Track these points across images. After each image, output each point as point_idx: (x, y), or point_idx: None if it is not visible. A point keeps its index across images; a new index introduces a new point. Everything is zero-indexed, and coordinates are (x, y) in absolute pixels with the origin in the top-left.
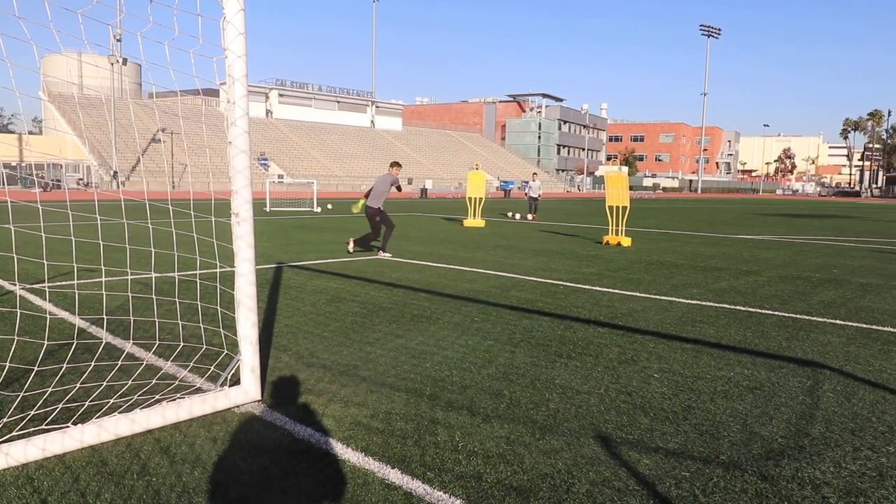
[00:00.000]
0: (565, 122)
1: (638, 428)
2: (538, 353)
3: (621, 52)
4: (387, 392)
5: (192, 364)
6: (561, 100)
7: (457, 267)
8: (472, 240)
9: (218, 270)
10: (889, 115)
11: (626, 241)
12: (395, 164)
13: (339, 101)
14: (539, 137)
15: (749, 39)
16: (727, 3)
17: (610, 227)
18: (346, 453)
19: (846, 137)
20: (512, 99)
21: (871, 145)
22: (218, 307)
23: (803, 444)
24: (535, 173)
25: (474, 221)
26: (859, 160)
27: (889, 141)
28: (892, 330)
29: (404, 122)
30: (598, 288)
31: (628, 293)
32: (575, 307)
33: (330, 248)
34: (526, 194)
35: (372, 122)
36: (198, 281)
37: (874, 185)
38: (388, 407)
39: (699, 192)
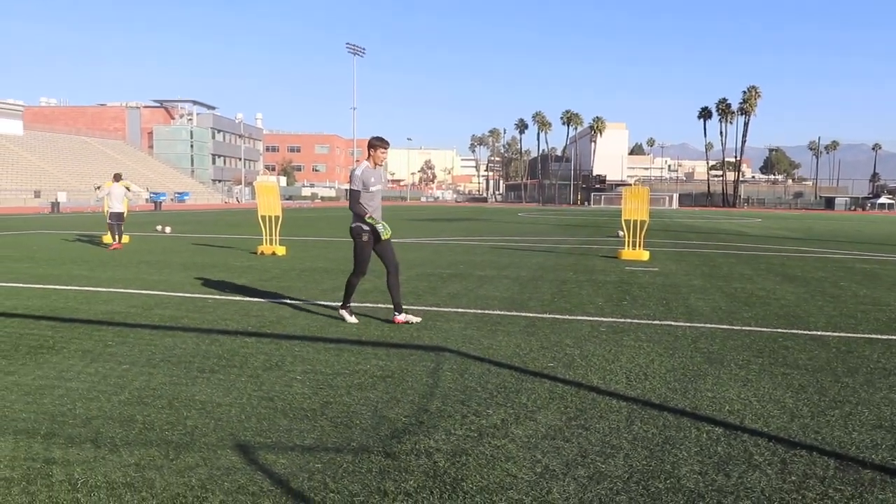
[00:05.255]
0: (219, 131)
1: (277, 430)
2: (178, 371)
3: (274, 64)
4: None
5: None
6: (213, 108)
7: (91, 288)
8: (113, 257)
9: None
10: (504, 133)
11: (281, 251)
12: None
13: None
14: (192, 146)
15: (394, 60)
16: (372, 27)
17: (264, 237)
18: None
19: (474, 151)
20: (159, 105)
21: (493, 158)
22: None
23: (423, 419)
24: (117, 174)
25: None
26: (485, 171)
27: (506, 154)
28: (499, 313)
29: (26, 126)
30: (248, 298)
31: (278, 301)
32: (223, 320)
33: None
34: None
35: None
36: None
37: (497, 192)
38: None
39: None
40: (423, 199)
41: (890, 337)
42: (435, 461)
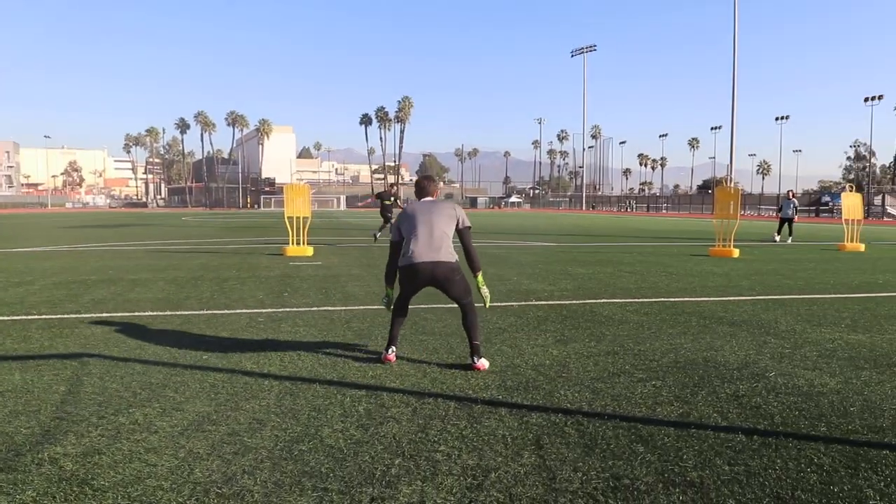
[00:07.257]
0: None
1: None
2: None
3: None
4: None
5: None
6: None
7: None
8: None
9: None
10: (164, 133)
11: None
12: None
13: None
14: None
15: (25, 47)
16: None
17: None
18: None
19: (129, 152)
20: None
21: (152, 160)
22: None
23: (49, 428)
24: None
25: None
26: (144, 173)
27: (167, 156)
28: (151, 314)
29: None
30: None
31: None
32: None
33: None
34: None
35: None
36: None
37: (159, 196)
38: None
39: None
40: (69, 205)
41: (507, 303)
42: (61, 466)
